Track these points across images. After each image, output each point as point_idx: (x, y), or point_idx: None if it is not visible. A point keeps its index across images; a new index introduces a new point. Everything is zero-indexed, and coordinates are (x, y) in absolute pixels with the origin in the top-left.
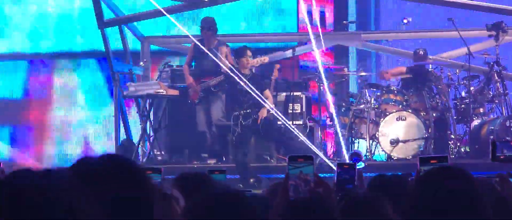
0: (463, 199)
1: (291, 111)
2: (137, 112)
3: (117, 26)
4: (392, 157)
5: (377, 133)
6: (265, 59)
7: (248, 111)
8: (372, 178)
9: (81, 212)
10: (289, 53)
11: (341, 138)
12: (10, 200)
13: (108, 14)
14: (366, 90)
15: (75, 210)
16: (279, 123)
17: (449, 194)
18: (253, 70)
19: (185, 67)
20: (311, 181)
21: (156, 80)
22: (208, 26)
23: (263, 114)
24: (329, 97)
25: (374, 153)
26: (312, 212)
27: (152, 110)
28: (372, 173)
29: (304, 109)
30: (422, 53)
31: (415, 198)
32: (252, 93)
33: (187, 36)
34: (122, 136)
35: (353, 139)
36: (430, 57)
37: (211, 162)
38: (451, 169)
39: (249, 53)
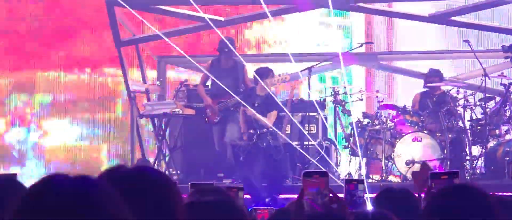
0: (477, 216)
1: (306, 131)
2: (153, 131)
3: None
4: (408, 177)
5: (392, 153)
6: (287, 77)
7: (264, 130)
8: (379, 191)
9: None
10: (305, 73)
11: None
12: (50, 205)
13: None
14: (382, 111)
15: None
16: (295, 143)
17: (463, 211)
18: (272, 89)
19: (200, 88)
20: (326, 196)
21: (172, 99)
22: (224, 46)
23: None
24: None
25: (389, 174)
26: None
27: (168, 129)
28: None
29: (320, 129)
30: (436, 74)
31: (428, 214)
32: (253, 112)
33: (203, 56)
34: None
35: (368, 159)
36: (446, 78)
37: (227, 181)
38: (465, 186)
39: (272, 75)
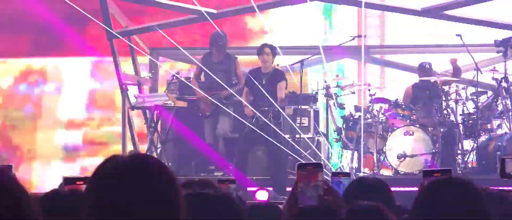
0: (467, 210)
1: (298, 124)
2: (144, 123)
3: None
4: (399, 171)
5: (384, 147)
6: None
7: (266, 108)
8: (351, 181)
9: None
10: (297, 66)
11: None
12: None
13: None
14: (374, 104)
15: None
16: (287, 136)
17: (452, 204)
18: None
19: (193, 81)
20: (321, 188)
21: (164, 91)
22: (218, 40)
23: (249, 112)
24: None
25: (381, 167)
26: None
27: (159, 121)
28: None
29: (312, 123)
30: (428, 67)
31: (418, 209)
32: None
33: (196, 48)
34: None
35: (360, 153)
36: (437, 72)
37: (218, 174)
38: (455, 180)
39: (266, 50)
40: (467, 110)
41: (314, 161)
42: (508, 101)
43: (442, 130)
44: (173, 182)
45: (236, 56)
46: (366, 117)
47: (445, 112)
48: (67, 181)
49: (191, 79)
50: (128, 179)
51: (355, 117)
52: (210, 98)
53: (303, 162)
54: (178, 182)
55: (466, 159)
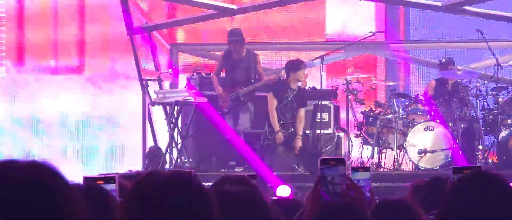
0: (500, 204)
1: (319, 120)
2: (165, 119)
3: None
4: (420, 167)
5: (404, 143)
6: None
7: (288, 121)
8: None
9: None
10: (317, 62)
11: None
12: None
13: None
14: (394, 99)
15: None
16: (307, 132)
17: (485, 199)
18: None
19: (214, 77)
20: (343, 183)
21: (185, 87)
22: (236, 38)
23: (297, 144)
24: None
25: (401, 163)
26: (345, 216)
27: (179, 117)
28: (401, 182)
29: (332, 118)
30: (449, 62)
31: (449, 205)
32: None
33: (215, 44)
34: (150, 143)
35: (380, 148)
36: (458, 67)
37: (239, 169)
38: (487, 175)
39: (304, 68)
40: (488, 105)
41: (337, 156)
42: None
43: (462, 125)
44: (210, 199)
45: (256, 52)
46: (386, 112)
47: (464, 107)
48: (88, 180)
49: (212, 75)
50: (169, 195)
51: (375, 112)
52: (223, 95)
53: (326, 157)
54: (213, 198)
55: (486, 154)
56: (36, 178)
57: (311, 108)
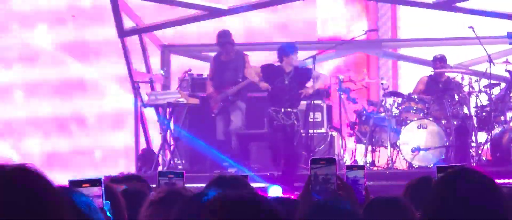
0: (483, 201)
1: (311, 120)
2: (157, 121)
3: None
4: (413, 165)
5: (398, 141)
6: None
7: (289, 109)
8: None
9: None
10: (309, 61)
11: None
12: None
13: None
14: (387, 98)
15: None
16: (302, 131)
17: (467, 196)
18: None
19: (209, 80)
20: (334, 183)
21: (177, 89)
22: (225, 40)
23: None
24: None
25: (395, 161)
26: (335, 214)
27: (172, 118)
28: (395, 181)
29: (325, 118)
30: (442, 59)
31: (433, 201)
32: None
33: (207, 45)
34: (142, 145)
35: (374, 147)
36: (451, 65)
37: (232, 171)
38: (469, 171)
39: (296, 51)
40: (480, 102)
41: (327, 156)
42: None
43: (455, 122)
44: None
45: (246, 53)
46: (379, 110)
47: (457, 105)
48: (74, 184)
49: (206, 80)
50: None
51: (368, 111)
52: (212, 96)
53: (316, 157)
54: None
55: (479, 152)
56: (23, 182)
57: (304, 108)
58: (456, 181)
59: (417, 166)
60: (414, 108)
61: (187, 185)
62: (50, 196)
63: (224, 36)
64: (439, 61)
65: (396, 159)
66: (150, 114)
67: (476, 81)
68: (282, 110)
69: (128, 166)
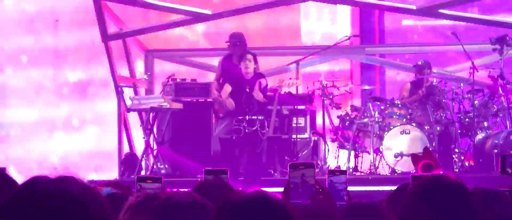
0: (454, 209)
1: (295, 125)
2: (140, 126)
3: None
4: (396, 170)
5: (381, 146)
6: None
7: (253, 117)
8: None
9: None
10: (292, 66)
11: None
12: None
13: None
14: (370, 103)
15: None
16: (284, 137)
17: (440, 203)
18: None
19: (214, 83)
20: (313, 187)
21: (160, 93)
22: (237, 40)
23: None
24: None
25: (377, 166)
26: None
27: (155, 123)
28: (377, 186)
29: (308, 123)
30: (425, 65)
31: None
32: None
33: (191, 50)
34: (126, 149)
35: (357, 152)
36: (434, 70)
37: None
38: (442, 179)
39: (248, 57)
40: (464, 108)
41: (307, 161)
42: (504, 99)
43: (438, 128)
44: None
45: (253, 53)
46: (362, 116)
47: (440, 110)
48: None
49: (212, 82)
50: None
51: (351, 116)
52: (220, 99)
53: (295, 161)
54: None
55: (462, 158)
56: (67, 191)
57: (287, 113)
58: (427, 190)
59: (400, 172)
60: (397, 113)
61: (168, 190)
62: (94, 203)
63: (236, 38)
64: (422, 67)
65: (379, 164)
66: (133, 118)
67: (459, 87)
68: (247, 118)
69: (111, 171)
